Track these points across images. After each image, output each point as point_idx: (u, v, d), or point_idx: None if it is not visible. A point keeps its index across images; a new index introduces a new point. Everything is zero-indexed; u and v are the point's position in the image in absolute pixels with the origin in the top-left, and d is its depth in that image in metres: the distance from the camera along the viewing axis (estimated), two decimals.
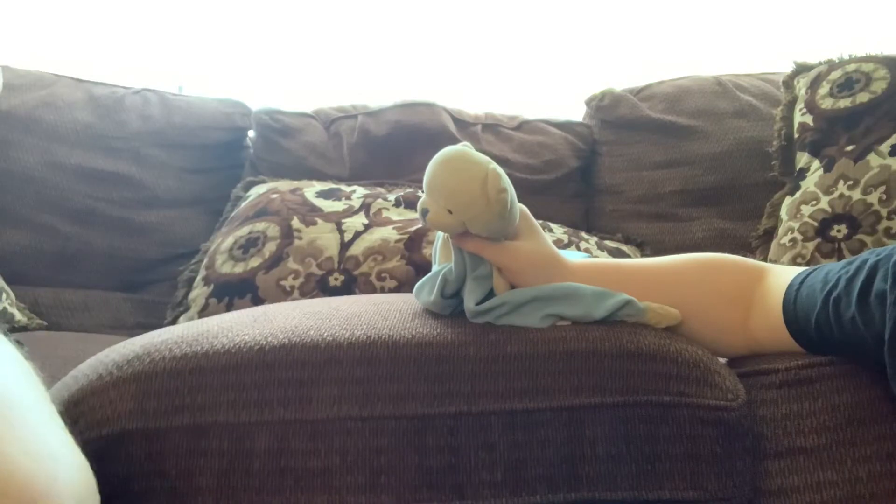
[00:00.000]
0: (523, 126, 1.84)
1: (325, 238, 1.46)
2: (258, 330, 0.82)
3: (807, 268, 0.86)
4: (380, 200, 1.55)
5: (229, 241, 1.51)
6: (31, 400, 0.67)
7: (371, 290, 1.39)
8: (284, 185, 1.64)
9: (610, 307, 0.85)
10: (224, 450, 0.76)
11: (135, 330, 1.50)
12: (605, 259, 0.95)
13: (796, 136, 1.56)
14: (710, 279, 0.91)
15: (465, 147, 0.83)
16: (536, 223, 0.90)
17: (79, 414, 0.78)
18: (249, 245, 1.48)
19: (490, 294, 0.86)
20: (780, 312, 0.84)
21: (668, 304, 0.88)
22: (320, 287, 1.40)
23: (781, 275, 0.88)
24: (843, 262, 0.79)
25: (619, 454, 0.78)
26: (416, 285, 0.91)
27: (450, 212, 0.83)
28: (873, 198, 1.37)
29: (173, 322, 1.46)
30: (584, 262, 0.93)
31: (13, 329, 1.36)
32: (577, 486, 0.78)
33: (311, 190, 1.59)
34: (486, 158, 0.83)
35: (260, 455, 0.76)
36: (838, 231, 1.38)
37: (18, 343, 0.86)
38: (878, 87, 1.47)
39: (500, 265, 0.87)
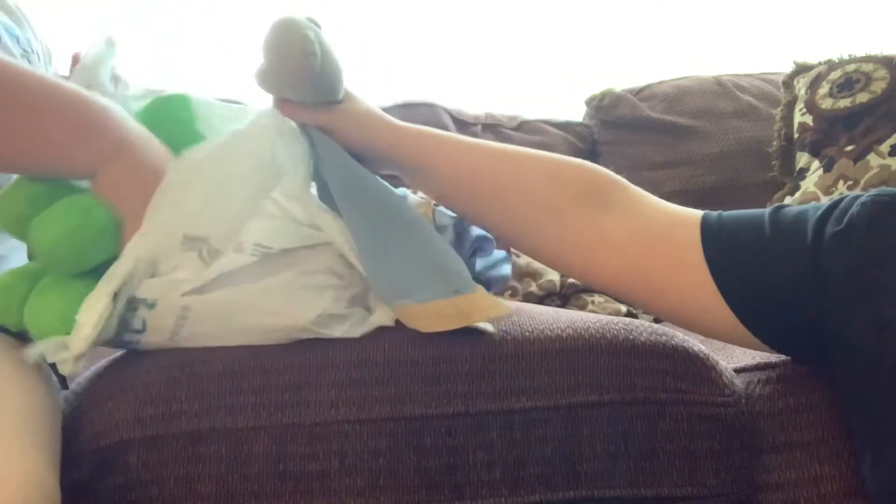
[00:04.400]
0: (523, 126, 1.84)
1: None
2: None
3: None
4: None
5: None
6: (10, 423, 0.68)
7: None
8: None
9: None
10: (222, 455, 0.76)
11: None
12: (438, 130, 0.88)
13: (796, 136, 1.56)
14: (549, 161, 0.84)
15: (294, 16, 0.81)
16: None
17: (79, 428, 0.78)
18: None
19: None
20: (682, 234, 0.78)
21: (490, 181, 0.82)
22: None
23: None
24: None
25: (617, 452, 0.78)
26: None
27: (269, 72, 0.82)
28: None
29: None
30: (415, 126, 0.87)
31: None
32: (576, 484, 0.78)
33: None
34: (309, 24, 0.81)
35: (258, 459, 0.76)
36: None
37: (55, 366, 0.87)
38: (878, 87, 1.47)
39: (322, 125, 0.84)
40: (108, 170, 0.78)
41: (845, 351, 0.72)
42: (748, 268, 0.76)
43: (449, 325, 0.78)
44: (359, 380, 0.78)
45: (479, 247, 0.90)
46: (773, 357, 0.84)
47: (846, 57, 1.57)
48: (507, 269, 0.93)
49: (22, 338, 0.86)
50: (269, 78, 0.82)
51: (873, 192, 0.74)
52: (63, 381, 0.88)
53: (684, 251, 0.78)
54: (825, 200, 1.41)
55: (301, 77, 0.80)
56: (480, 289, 0.78)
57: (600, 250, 0.80)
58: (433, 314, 0.78)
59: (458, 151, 0.85)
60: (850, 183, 1.40)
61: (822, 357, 0.75)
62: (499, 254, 0.93)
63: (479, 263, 0.90)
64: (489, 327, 0.81)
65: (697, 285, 0.77)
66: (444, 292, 0.77)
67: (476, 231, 0.90)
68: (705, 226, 0.78)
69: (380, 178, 0.85)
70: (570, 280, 1.45)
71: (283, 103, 0.83)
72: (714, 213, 0.79)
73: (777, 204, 0.80)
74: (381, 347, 0.80)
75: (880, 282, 0.70)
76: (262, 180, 0.80)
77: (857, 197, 0.74)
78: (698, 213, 0.80)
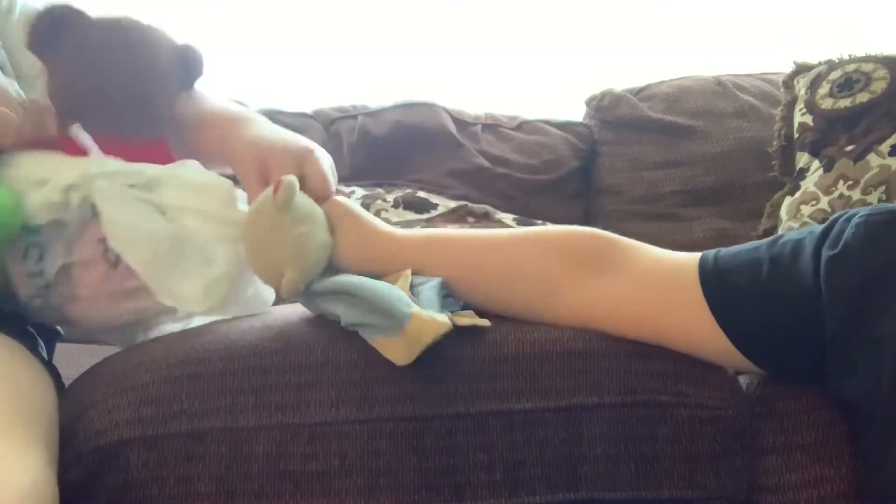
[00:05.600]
0: (523, 126, 1.84)
1: None
2: (254, 335, 0.83)
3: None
4: (379, 202, 1.56)
5: None
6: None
7: None
8: None
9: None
10: (222, 455, 0.76)
11: None
12: (436, 231, 0.92)
13: (796, 136, 1.55)
14: (545, 236, 0.87)
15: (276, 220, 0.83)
16: (349, 207, 0.89)
17: (79, 427, 0.78)
18: None
19: None
20: (682, 279, 0.80)
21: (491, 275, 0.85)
22: None
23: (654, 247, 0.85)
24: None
25: (618, 454, 0.78)
26: None
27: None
28: (873, 198, 1.37)
29: None
30: (412, 234, 0.89)
31: None
32: (576, 486, 0.78)
33: None
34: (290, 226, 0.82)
35: (258, 459, 0.76)
36: None
37: (53, 367, 0.87)
38: (878, 87, 1.47)
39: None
40: None
41: (845, 369, 0.74)
42: (749, 305, 0.78)
43: (407, 355, 0.77)
44: (359, 380, 0.78)
45: None
46: None
47: (846, 57, 1.56)
48: None
49: (19, 335, 0.86)
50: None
51: (866, 211, 0.76)
52: (60, 379, 0.88)
53: (684, 294, 0.80)
54: (825, 200, 1.41)
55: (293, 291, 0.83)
56: (416, 317, 0.76)
57: (600, 306, 0.82)
58: (393, 347, 0.78)
59: (454, 253, 0.88)
60: (850, 183, 1.40)
61: (823, 379, 0.77)
62: None
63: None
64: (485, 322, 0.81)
65: (699, 325, 0.79)
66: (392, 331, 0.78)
67: None
68: (703, 267, 0.80)
69: None
70: None
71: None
72: (711, 253, 0.81)
73: (774, 236, 0.81)
74: None
75: (878, 301, 0.72)
76: None
77: (850, 217, 0.76)
78: (696, 256, 0.82)
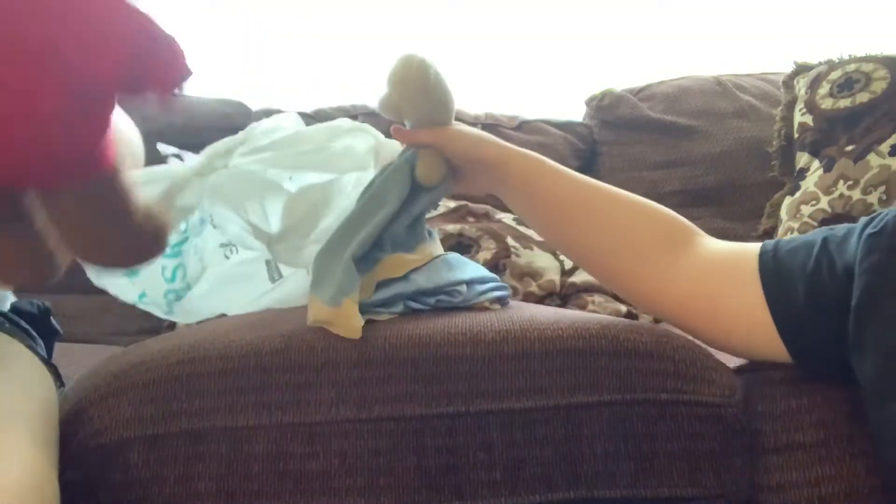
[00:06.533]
0: (523, 126, 1.84)
1: None
2: (255, 334, 0.83)
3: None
4: None
5: None
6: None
7: None
8: None
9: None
10: (222, 454, 0.76)
11: (137, 336, 1.50)
12: (532, 153, 0.94)
13: (796, 136, 1.55)
14: (642, 201, 0.90)
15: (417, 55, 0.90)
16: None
17: (78, 425, 0.78)
18: None
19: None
20: (743, 259, 0.82)
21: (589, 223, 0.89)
22: None
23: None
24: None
25: (618, 452, 0.78)
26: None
27: (391, 96, 0.91)
28: (873, 198, 1.37)
29: (173, 324, 1.46)
30: (516, 147, 0.93)
31: None
32: (576, 485, 0.78)
33: None
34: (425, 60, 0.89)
35: (259, 459, 0.76)
36: None
37: (53, 366, 0.87)
38: (878, 87, 1.47)
39: (432, 142, 0.89)
40: None
41: (861, 346, 0.73)
42: (795, 289, 0.78)
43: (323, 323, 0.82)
44: (359, 379, 0.78)
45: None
46: None
47: (846, 57, 1.56)
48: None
49: (18, 334, 0.86)
50: (389, 106, 0.92)
51: None
52: (60, 378, 0.88)
53: (743, 273, 0.81)
54: (825, 200, 1.41)
55: (413, 102, 0.89)
56: (347, 305, 0.81)
57: (679, 283, 0.84)
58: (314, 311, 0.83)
59: (559, 176, 0.91)
60: (850, 183, 1.40)
61: (848, 373, 0.76)
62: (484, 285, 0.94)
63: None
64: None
65: (751, 304, 0.80)
66: (326, 299, 0.82)
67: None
68: (763, 252, 0.82)
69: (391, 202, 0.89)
70: (571, 280, 1.45)
71: (397, 130, 0.91)
72: (771, 242, 0.83)
73: (828, 227, 0.82)
74: (381, 347, 0.80)
75: None
76: None
77: None
78: (758, 244, 0.84)
